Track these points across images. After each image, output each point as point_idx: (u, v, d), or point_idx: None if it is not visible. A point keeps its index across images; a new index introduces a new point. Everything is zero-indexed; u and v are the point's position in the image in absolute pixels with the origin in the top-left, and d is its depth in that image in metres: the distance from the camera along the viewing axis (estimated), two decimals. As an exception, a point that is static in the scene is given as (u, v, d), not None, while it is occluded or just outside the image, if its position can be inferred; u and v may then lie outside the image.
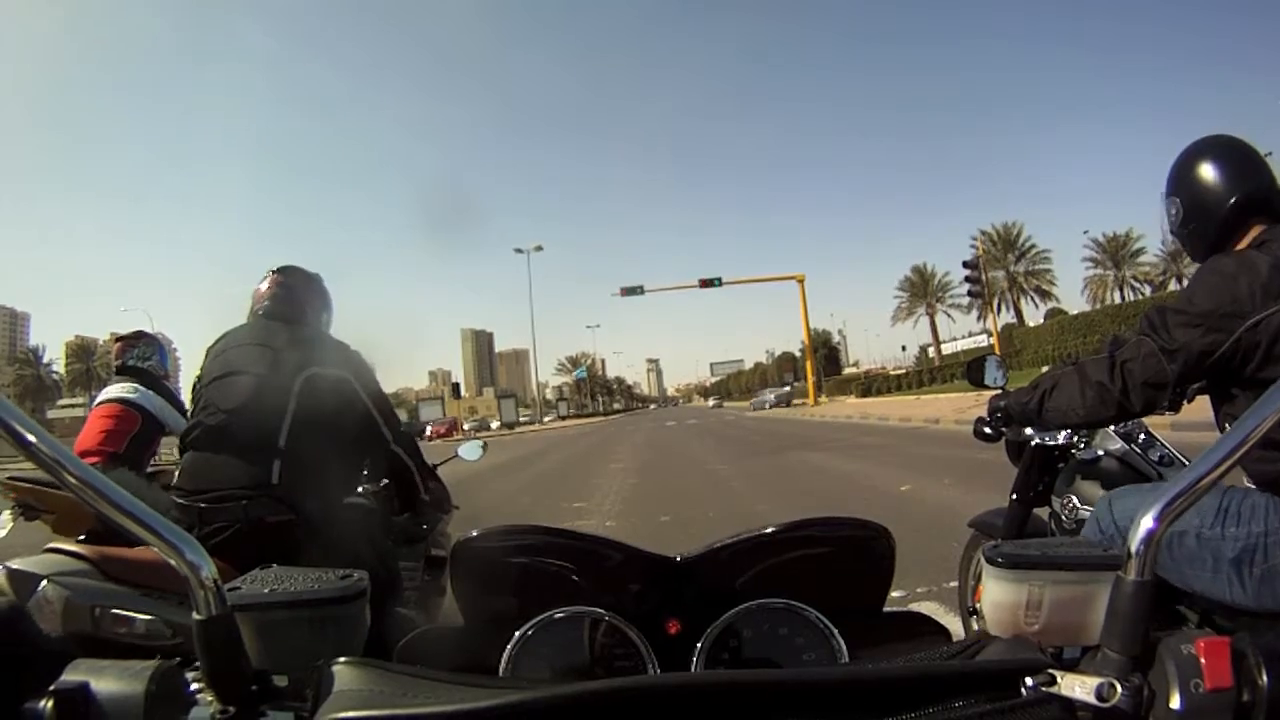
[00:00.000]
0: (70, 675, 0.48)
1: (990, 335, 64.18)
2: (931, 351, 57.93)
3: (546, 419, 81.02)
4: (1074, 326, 34.01)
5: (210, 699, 0.50)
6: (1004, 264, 49.11)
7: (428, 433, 47.19)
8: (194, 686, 0.51)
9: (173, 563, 0.48)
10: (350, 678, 0.51)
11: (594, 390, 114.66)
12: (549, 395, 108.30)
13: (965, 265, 20.45)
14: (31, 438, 0.44)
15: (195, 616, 0.49)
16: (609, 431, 31.84)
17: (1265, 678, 0.44)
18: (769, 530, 0.79)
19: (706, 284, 39.58)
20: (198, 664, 0.50)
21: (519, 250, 60.85)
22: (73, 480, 0.46)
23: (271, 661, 0.56)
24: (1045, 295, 49.36)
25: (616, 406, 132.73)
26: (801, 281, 39.83)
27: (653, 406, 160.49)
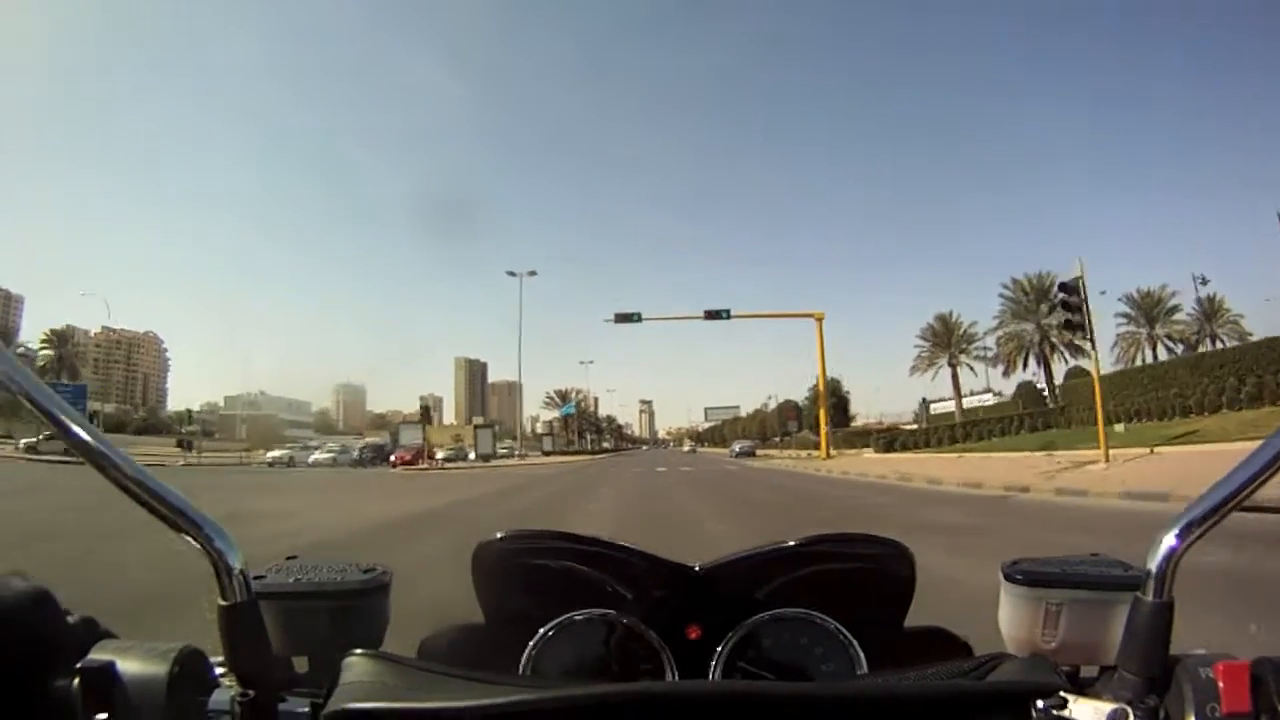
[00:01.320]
0: (96, 654, 0.49)
1: (987, 393, 59.76)
2: (949, 405, 53.38)
3: (532, 454, 76.36)
4: (1138, 380, 29.55)
5: (231, 682, 0.52)
6: (1035, 316, 45.13)
7: (391, 459, 42.58)
8: (217, 670, 0.53)
9: (199, 548, 0.50)
10: (366, 669, 0.52)
11: (582, 428, 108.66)
12: (540, 429, 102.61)
13: (1062, 289, 15.73)
14: (74, 426, 0.47)
15: (220, 602, 0.51)
16: (590, 474, 27.87)
17: None
18: (789, 544, 0.79)
19: (713, 315, 36.09)
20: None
21: (511, 274, 57.13)
22: (108, 465, 0.48)
23: (292, 649, 0.59)
24: (1076, 351, 45.33)
25: (606, 445, 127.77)
26: (820, 320, 35.77)
27: (645, 448, 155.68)
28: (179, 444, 54.65)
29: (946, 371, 49.88)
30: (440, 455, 49.62)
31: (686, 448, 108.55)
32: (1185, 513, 0.47)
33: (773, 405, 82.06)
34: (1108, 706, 0.47)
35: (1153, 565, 0.48)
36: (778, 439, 77.59)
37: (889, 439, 36.04)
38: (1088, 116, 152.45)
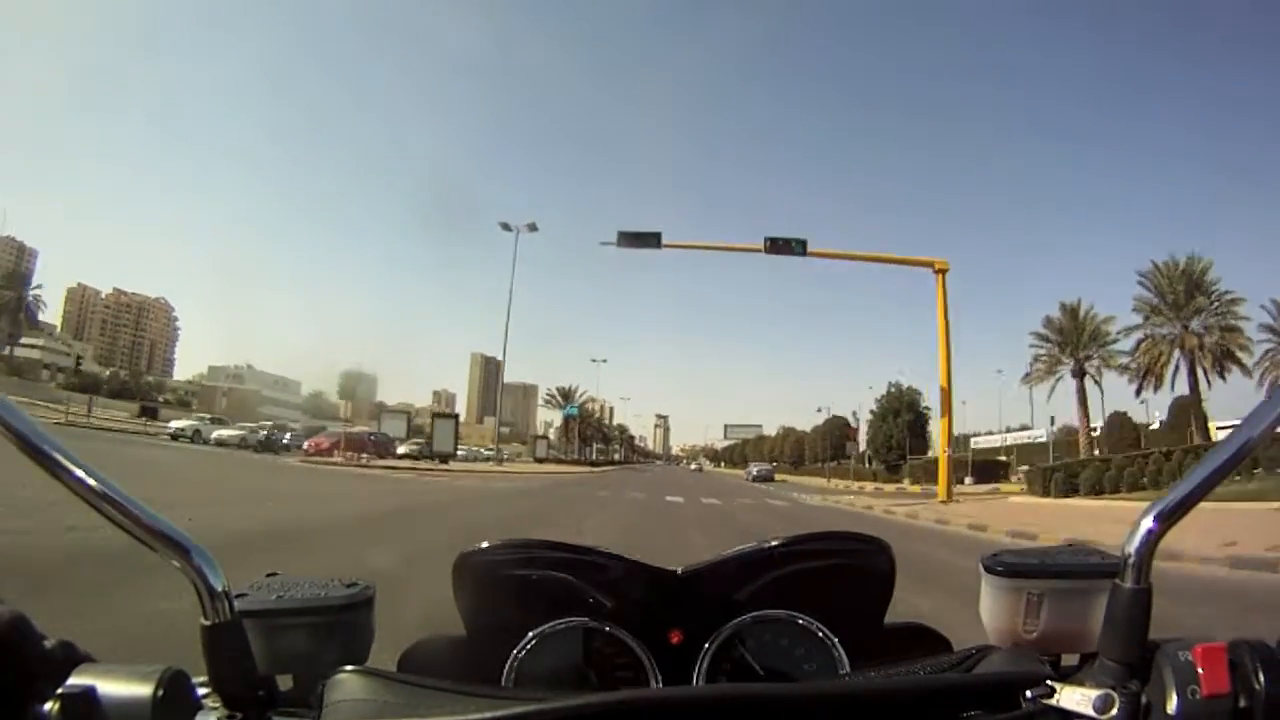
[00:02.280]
0: (77, 679, 0.47)
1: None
2: (1071, 421, 39.56)
3: (519, 459, 64.94)
4: None
5: (216, 704, 0.51)
6: (1181, 315, 32.00)
7: (305, 446, 31.47)
8: (200, 691, 0.51)
9: (178, 567, 0.49)
10: (354, 686, 0.52)
11: (588, 434, 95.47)
12: (552, 434, 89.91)
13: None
14: (47, 449, 0.46)
15: (202, 622, 0.50)
16: (564, 497, 16.98)
17: (1262, 683, 0.44)
18: (770, 544, 0.80)
19: (780, 248, 23.40)
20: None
21: (506, 227, 45.42)
22: (76, 483, 0.46)
23: (277, 667, 0.57)
24: (1231, 360, 31.82)
25: (616, 456, 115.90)
26: (942, 273, 23.32)
27: (658, 463, 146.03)
28: (142, 411, 50.21)
29: (1079, 384, 36.15)
30: (403, 450, 38.51)
31: (693, 466, 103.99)
32: (1161, 499, 0.48)
33: (826, 421, 68.11)
34: (1094, 693, 0.47)
35: (1130, 551, 0.48)
36: (820, 464, 63.66)
37: (1068, 475, 22.43)
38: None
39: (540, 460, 62.96)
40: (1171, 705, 0.45)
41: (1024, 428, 51.81)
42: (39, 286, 71.12)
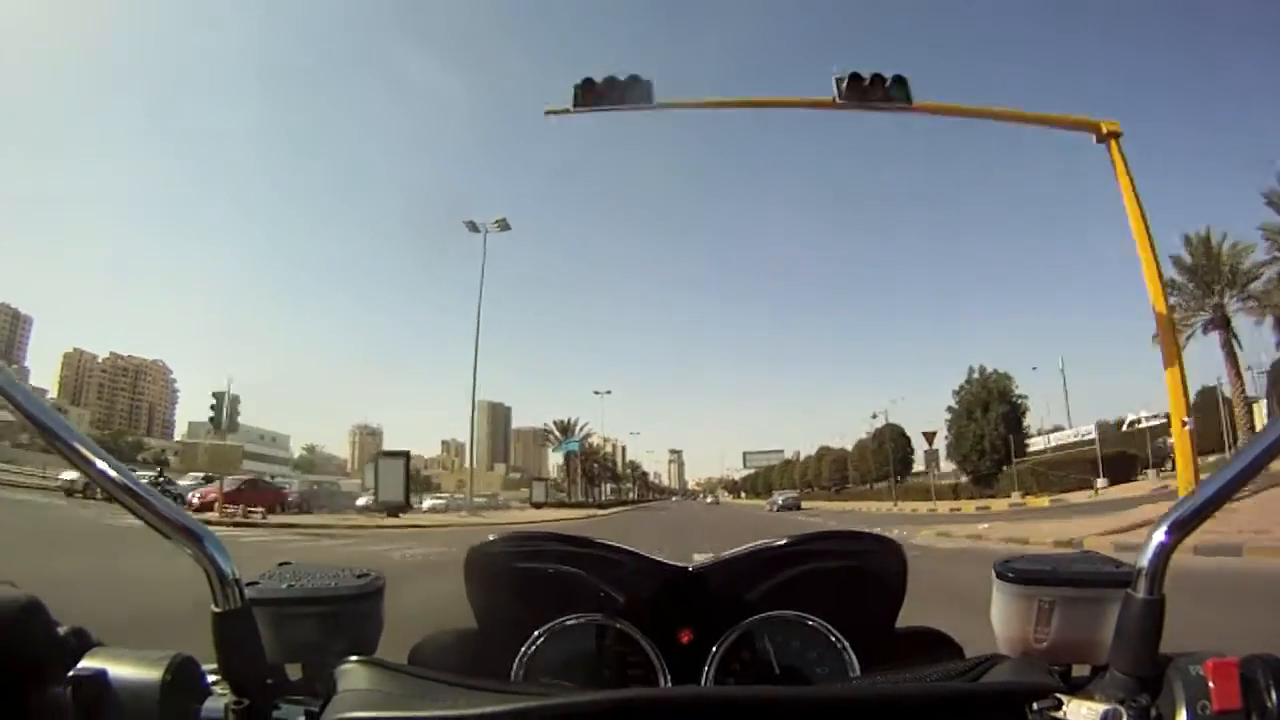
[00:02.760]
0: (88, 662, 0.49)
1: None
2: (1218, 389, 29.01)
3: (511, 506, 55.00)
4: None
5: (224, 690, 0.51)
6: None
7: (192, 498, 22.38)
8: (210, 678, 0.53)
9: (191, 554, 0.50)
10: (362, 676, 0.53)
11: (593, 473, 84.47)
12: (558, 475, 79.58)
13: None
14: (69, 440, 0.47)
15: (213, 609, 0.51)
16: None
17: (1274, 700, 0.43)
18: (781, 543, 0.80)
19: (866, 91, 11.62)
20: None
21: (474, 227, 38.24)
22: (99, 474, 0.48)
23: (286, 655, 0.58)
24: None
25: (631, 495, 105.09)
26: (1115, 137, 13.92)
27: (674, 499, 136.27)
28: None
29: (1229, 337, 26.49)
30: (361, 501, 29.37)
31: (708, 500, 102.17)
32: (1174, 510, 0.47)
33: (872, 434, 55.84)
34: (1101, 707, 0.47)
35: (1144, 562, 0.48)
36: (869, 485, 53.09)
37: None
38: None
39: (538, 505, 53.20)
40: None
41: (1057, 428, 42.20)
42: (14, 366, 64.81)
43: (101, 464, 0.48)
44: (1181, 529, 0.47)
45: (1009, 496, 30.24)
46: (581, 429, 75.80)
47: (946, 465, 37.66)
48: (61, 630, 0.51)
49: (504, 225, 39.59)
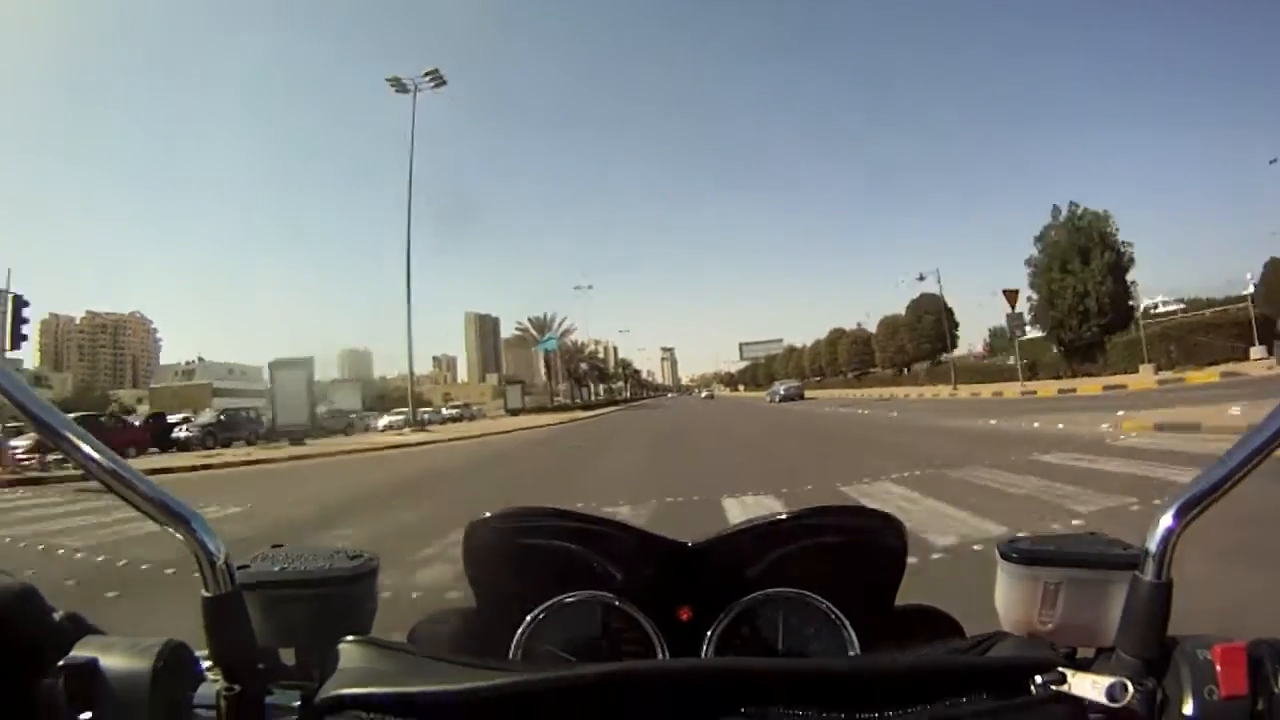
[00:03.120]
0: (79, 651, 0.48)
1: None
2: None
3: (485, 416, 48.55)
4: None
5: (217, 676, 0.50)
6: None
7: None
8: (202, 664, 0.52)
9: (180, 539, 0.49)
10: (356, 656, 0.52)
11: (579, 371, 75.40)
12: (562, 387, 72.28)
13: None
14: (53, 423, 0.46)
15: (203, 594, 0.49)
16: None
17: None
18: (781, 517, 0.79)
19: None
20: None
21: (401, 86, 30.49)
22: (85, 458, 0.47)
23: (279, 639, 0.57)
24: None
25: (626, 395, 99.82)
26: None
27: (670, 395, 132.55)
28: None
29: None
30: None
31: (703, 394, 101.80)
32: (1183, 492, 0.47)
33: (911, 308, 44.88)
34: (1106, 680, 0.46)
35: (1151, 545, 0.47)
36: (899, 370, 44.88)
37: None
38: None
39: (514, 412, 46.23)
40: (1188, 705, 0.44)
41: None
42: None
43: (88, 448, 0.47)
44: (1188, 513, 0.46)
45: (1124, 373, 22.66)
46: (559, 325, 66.83)
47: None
48: (56, 617, 0.50)
49: (438, 79, 30.94)
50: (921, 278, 39.95)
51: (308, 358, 25.29)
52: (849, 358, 56.09)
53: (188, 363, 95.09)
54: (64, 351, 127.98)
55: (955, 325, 41.27)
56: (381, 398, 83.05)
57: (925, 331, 41.79)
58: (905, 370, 45.16)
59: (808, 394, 43.13)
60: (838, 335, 60.62)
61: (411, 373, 34.13)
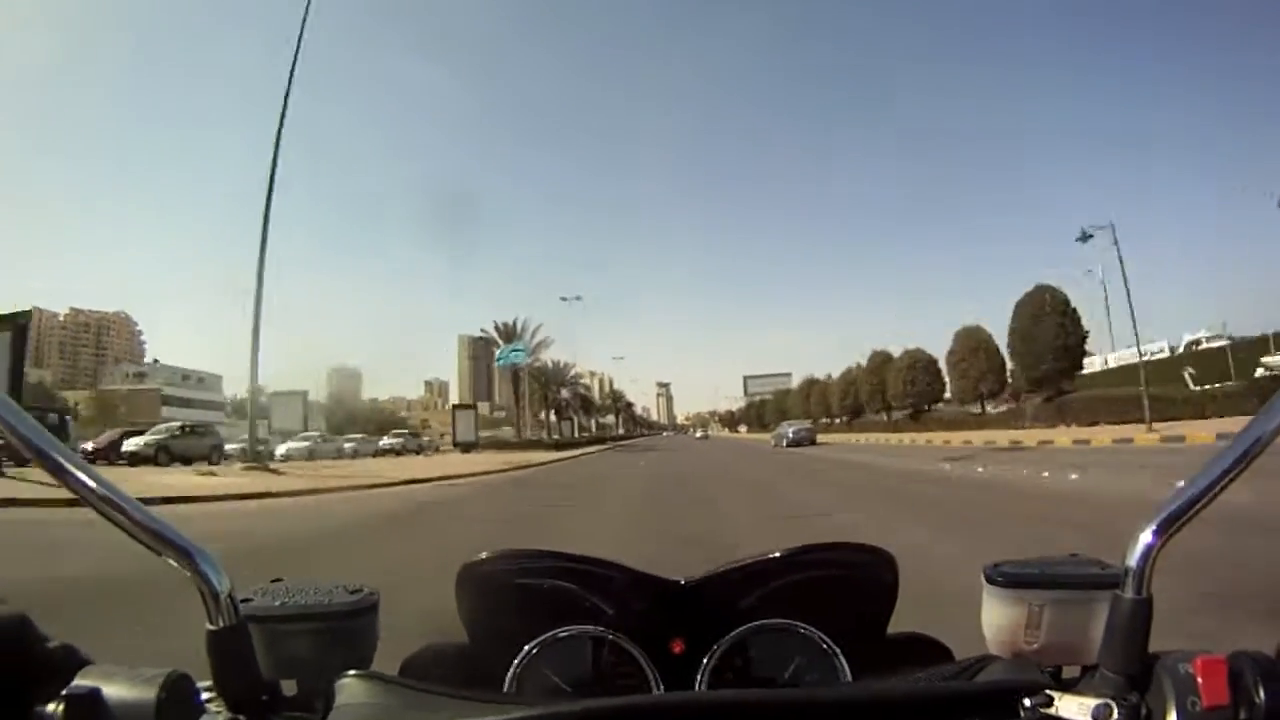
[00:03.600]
0: (82, 680, 0.48)
1: None
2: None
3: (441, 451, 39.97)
4: None
5: (220, 708, 0.51)
6: None
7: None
8: (204, 695, 0.52)
9: (186, 573, 0.49)
10: (358, 690, 0.52)
11: (557, 401, 61.46)
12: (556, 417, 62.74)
13: None
14: (52, 453, 0.46)
15: (208, 626, 0.50)
16: None
17: (1262, 696, 0.43)
18: (774, 555, 0.80)
19: None
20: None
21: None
22: (79, 485, 0.46)
23: (281, 672, 0.58)
24: None
25: (620, 431, 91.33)
26: None
27: (665, 434, 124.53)
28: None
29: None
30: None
31: (698, 434, 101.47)
32: (1161, 509, 0.48)
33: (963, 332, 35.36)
34: (1092, 701, 0.47)
35: (1131, 562, 0.48)
36: (885, 412, 37.04)
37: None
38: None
39: (466, 448, 37.14)
40: (1171, 717, 0.45)
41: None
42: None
43: (89, 480, 0.46)
44: (1167, 529, 0.47)
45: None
46: (533, 333, 53.07)
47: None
48: (51, 646, 0.49)
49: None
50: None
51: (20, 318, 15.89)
52: (902, 389, 39.15)
53: (132, 369, 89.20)
54: (44, 348, 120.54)
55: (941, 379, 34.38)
56: (368, 420, 76.12)
57: (912, 381, 35.34)
58: (885, 413, 38.08)
59: (820, 438, 36.15)
60: (881, 360, 43.09)
61: (255, 378, 21.09)
